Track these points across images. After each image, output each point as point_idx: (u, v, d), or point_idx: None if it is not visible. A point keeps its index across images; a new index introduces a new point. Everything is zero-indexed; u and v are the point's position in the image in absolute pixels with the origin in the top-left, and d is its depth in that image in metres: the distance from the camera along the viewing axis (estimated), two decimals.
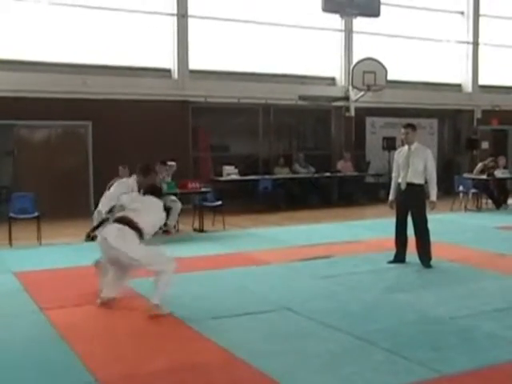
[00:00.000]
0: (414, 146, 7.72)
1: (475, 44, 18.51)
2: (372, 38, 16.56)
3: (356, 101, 16.17)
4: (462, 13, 18.49)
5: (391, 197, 7.90)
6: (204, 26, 14.62)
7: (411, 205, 7.66)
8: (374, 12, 16.05)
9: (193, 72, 14.53)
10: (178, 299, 6.12)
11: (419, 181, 7.65)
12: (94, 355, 4.58)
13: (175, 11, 14.22)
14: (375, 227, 10.83)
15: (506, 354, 4.50)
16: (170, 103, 14.01)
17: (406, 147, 7.78)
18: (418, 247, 7.71)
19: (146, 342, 4.91)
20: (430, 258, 7.60)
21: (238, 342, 4.79)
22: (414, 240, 7.76)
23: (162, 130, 13.64)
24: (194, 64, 14.56)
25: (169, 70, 14.45)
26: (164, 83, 14.17)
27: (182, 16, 14.22)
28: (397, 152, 8.08)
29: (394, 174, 7.97)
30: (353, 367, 4.28)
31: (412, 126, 7.81)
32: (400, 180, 7.73)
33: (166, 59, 14.40)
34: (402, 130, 7.80)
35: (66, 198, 12.76)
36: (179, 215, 10.85)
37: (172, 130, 13.89)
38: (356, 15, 16.05)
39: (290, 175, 14.88)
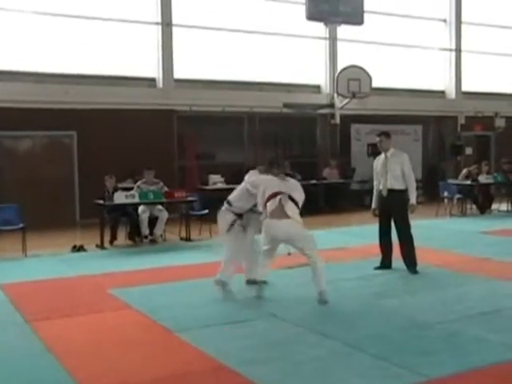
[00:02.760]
0: (390, 152, 7.85)
1: (458, 51, 18.70)
2: (356, 46, 16.70)
3: (341, 108, 16.26)
4: (445, 20, 18.70)
5: (374, 205, 8.00)
6: (189, 34, 14.68)
7: (393, 210, 7.74)
8: (358, 20, 16.17)
9: (178, 81, 14.57)
10: (166, 308, 6.12)
11: (400, 186, 7.73)
12: (82, 367, 4.55)
13: (160, 20, 14.24)
14: (361, 234, 10.86)
15: (491, 356, 4.53)
16: (156, 112, 14.03)
17: (383, 154, 7.91)
18: (402, 253, 7.77)
19: (134, 352, 4.89)
20: (415, 264, 7.64)
21: (227, 351, 4.79)
22: (398, 245, 7.83)
23: (148, 139, 13.64)
24: (179, 73, 14.59)
25: (154, 79, 14.47)
26: (149, 92, 14.18)
27: (167, 25, 14.26)
28: (375, 160, 8.16)
29: (375, 182, 8.06)
30: (341, 373, 4.29)
31: (385, 134, 7.94)
32: (381, 187, 7.83)
33: (151, 68, 14.42)
34: (377, 139, 7.95)
35: (51, 209, 12.71)
36: (166, 224, 10.89)
37: (157, 139, 13.90)
38: (340, 23, 16.16)
39: None
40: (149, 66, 14.39)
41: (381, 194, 7.85)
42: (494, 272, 7.58)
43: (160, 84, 14.43)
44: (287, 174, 6.81)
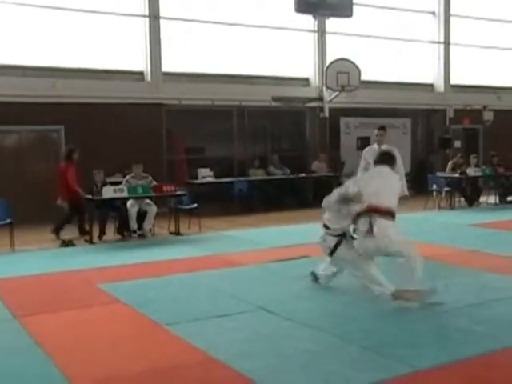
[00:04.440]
0: (384, 146, 8.35)
1: (446, 44, 18.74)
2: (345, 39, 16.67)
3: (330, 101, 16.26)
4: (434, 13, 18.70)
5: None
6: (177, 27, 14.60)
7: None
8: (347, 13, 16.14)
9: (166, 74, 14.49)
10: (156, 302, 6.11)
11: None
12: (71, 362, 4.53)
13: (147, 13, 14.15)
14: None
15: (478, 347, 4.56)
16: (144, 106, 13.96)
17: (376, 147, 8.43)
18: None
19: (124, 347, 4.88)
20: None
21: (216, 344, 4.79)
22: None
23: (136, 133, 13.58)
24: (168, 66, 14.52)
25: (142, 73, 14.39)
26: (137, 86, 14.11)
27: (154, 17, 14.17)
28: (366, 151, 8.67)
29: (360, 172, 8.46)
30: (331, 366, 4.30)
31: (384, 128, 8.62)
32: None
33: (139, 62, 14.34)
34: (377, 132, 8.51)
35: (39, 204, 12.61)
36: (155, 218, 10.87)
37: (146, 132, 13.84)
38: (328, 16, 16.14)
39: (265, 177, 14.91)
40: (137, 60, 14.31)
41: None
42: (482, 264, 7.62)
43: (148, 77, 14.36)
44: None
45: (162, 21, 14.33)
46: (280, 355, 4.53)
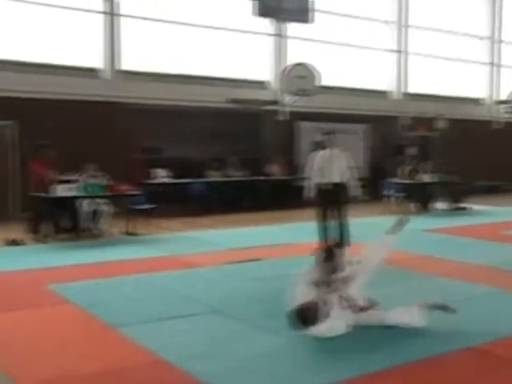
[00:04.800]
0: (334, 149, 8.60)
1: (403, 53, 19.03)
2: (304, 44, 16.77)
3: (287, 105, 16.32)
4: (391, 22, 18.97)
5: (312, 193, 8.68)
6: (135, 26, 14.44)
7: (336, 202, 8.53)
8: (305, 18, 16.25)
9: (123, 73, 14.33)
10: (107, 303, 6.01)
11: (341, 180, 8.54)
12: (17, 362, 4.42)
13: (105, 9, 13.94)
14: (306, 229, 10.88)
15: (428, 349, 4.62)
16: (100, 104, 13.73)
17: (327, 151, 8.60)
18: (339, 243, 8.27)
19: (72, 348, 4.77)
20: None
21: (168, 346, 4.73)
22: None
23: (92, 132, 13.36)
24: (125, 65, 14.36)
25: (98, 70, 14.18)
26: (94, 83, 13.89)
27: (113, 14, 13.96)
28: (317, 156, 8.77)
29: (311, 175, 8.71)
30: (283, 369, 4.29)
31: (333, 133, 8.76)
32: (324, 181, 8.52)
33: (96, 59, 14.11)
34: (325, 136, 8.72)
35: None
36: (110, 218, 10.72)
37: (102, 131, 13.62)
38: (287, 20, 16.20)
39: (223, 178, 14.87)
40: (94, 57, 14.08)
41: (324, 187, 8.50)
42: (437, 269, 7.74)
43: (105, 75, 14.16)
44: None
45: (121, 18, 14.14)
46: (232, 357, 4.50)
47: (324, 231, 8.60)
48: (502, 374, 4.25)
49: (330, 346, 4.70)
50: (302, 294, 4.95)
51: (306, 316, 4.70)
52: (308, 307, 4.74)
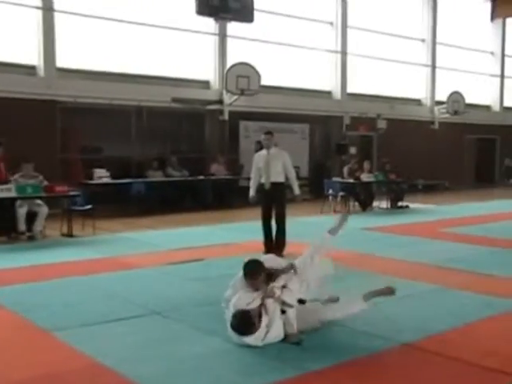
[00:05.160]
0: (272, 150, 8.66)
1: (343, 54, 19.27)
2: (247, 43, 16.78)
3: (230, 105, 16.30)
4: (332, 23, 19.19)
5: (253, 193, 8.76)
6: (74, 22, 14.12)
7: (275, 201, 8.58)
8: (248, 18, 16.27)
9: (61, 70, 13.99)
10: (43, 308, 5.83)
11: (281, 179, 8.62)
12: None
13: (40, 4, 13.56)
14: (249, 229, 10.89)
15: (367, 347, 4.67)
16: (36, 102, 13.36)
17: (265, 151, 8.66)
18: (276, 241, 8.54)
19: (5, 354, 4.60)
20: (282, 250, 8.33)
21: (106, 349, 4.62)
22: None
23: (28, 131, 12.97)
24: (63, 62, 14.02)
25: (34, 67, 13.80)
26: (29, 81, 13.51)
27: (48, 9, 13.59)
28: (256, 155, 8.98)
29: (252, 175, 8.84)
30: (221, 370, 4.25)
31: (271, 133, 8.78)
32: (263, 181, 8.59)
33: (32, 55, 13.72)
34: (263, 137, 8.73)
35: None
36: (46, 220, 10.43)
37: (39, 130, 13.28)
38: (230, 20, 16.17)
39: (164, 178, 14.70)
40: (29, 53, 13.68)
41: (263, 187, 8.60)
42: (374, 266, 7.83)
43: (41, 72, 13.79)
44: None
45: (57, 14, 13.81)
46: (170, 360, 4.43)
47: (266, 231, 8.65)
48: (435, 368, 4.32)
49: (270, 346, 4.66)
50: (240, 299, 4.82)
51: (242, 328, 4.64)
52: (245, 319, 4.63)
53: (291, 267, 5.15)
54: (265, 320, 4.67)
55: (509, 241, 9.95)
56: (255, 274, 4.88)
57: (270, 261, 5.24)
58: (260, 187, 8.70)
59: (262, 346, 4.60)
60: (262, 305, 4.72)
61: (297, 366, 4.29)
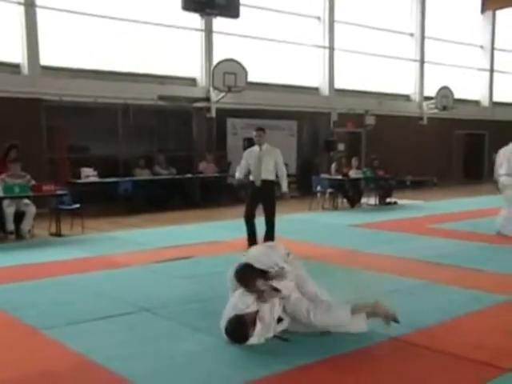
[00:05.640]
0: (265, 146, 8.63)
1: (331, 49, 19.28)
2: (233, 40, 16.76)
3: (217, 102, 16.27)
4: (319, 18, 19.17)
5: (239, 175, 8.80)
6: (58, 19, 13.99)
7: (264, 198, 8.54)
8: (234, 13, 16.22)
9: (46, 68, 13.89)
10: (32, 306, 5.81)
11: (272, 177, 8.59)
12: None
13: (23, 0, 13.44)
14: (236, 227, 10.84)
15: (356, 341, 4.69)
16: (21, 101, 13.23)
17: (257, 148, 8.64)
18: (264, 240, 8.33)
19: None
20: None
21: (95, 347, 4.62)
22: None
23: (14, 130, 12.81)
24: (47, 60, 13.91)
25: (18, 65, 13.67)
26: (14, 79, 13.35)
27: (30, 5, 13.45)
28: (247, 152, 8.91)
29: (241, 165, 8.81)
30: (210, 366, 4.26)
31: (263, 130, 8.71)
32: (253, 178, 8.56)
33: (15, 53, 13.58)
34: (255, 133, 8.66)
35: None
36: (34, 219, 10.39)
37: (25, 129, 13.13)
38: (216, 15, 16.14)
39: (151, 177, 14.66)
40: (13, 51, 13.54)
41: (253, 184, 8.56)
42: (360, 263, 7.87)
43: (25, 71, 13.66)
44: None
45: (40, 10, 13.64)
46: (160, 356, 4.43)
47: (250, 229, 8.61)
48: (423, 362, 4.36)
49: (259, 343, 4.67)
50: (238, 302, 4.70)
51: (235, 336, 4.61)
52: (239, 327, 4.58)
53: (282, 271, 4.92)
54: (259, 326, 4.63)
55: (494, 236, 10.03)
56: (248, 281, 4.72)
57: (261, 259, 4.97)
58: (250, 184, 8.69)
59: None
60: (258, 312, 4.66)
61: (286, 360, 4.31)
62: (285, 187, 8.80)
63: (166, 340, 4.80)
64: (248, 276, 4.75)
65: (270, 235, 8.54)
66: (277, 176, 8.76)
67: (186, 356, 4.45)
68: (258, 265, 4.86)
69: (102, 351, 4.52)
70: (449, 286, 6.54)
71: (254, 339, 4.61)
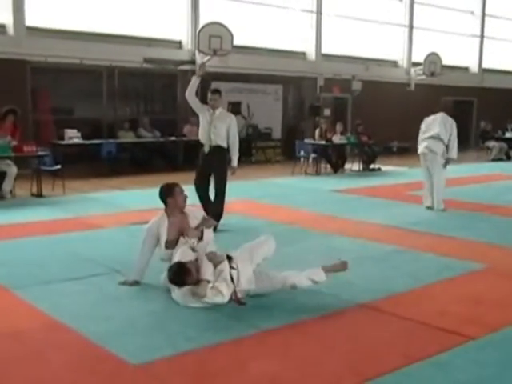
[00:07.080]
0: (219, 110, 7.86)
1: (319, 14, 19.09)
2: (219, 2, 16.56)
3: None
4: None
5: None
6: None
7: (214, 167, 7.83)
8: None
9: (31, 29, 13.71)
10: (4, 266, 5.88)
11: (222, 144, 7.82)
12: None
13: None
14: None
15: (322, 307, 4.78)
16: (6, 62, 13.10)
17: (210, 111, 7.83)
18: (212, 207, 7.79)
19: None
20: (219, 219, 7.57)
21: (64, 307, 4.70)
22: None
23: None
24: (33, 20, 13.72)
25: (4, 26, 13.50)
26: None
27: None
28: (202, 113, 7.98)
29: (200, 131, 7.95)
30: (177, 326, 4.35)
31: (219, 92, 7.99)
32: (203, 141, 7.85)
33: (1, 13, 13.39)
34: (210, 96, 7.87)
35: None
36: (15, 180, 10.40)
37: (9, 90, 12.98)
38: None
39: (135, 139, 14.62)
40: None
41: (203, 151, 7.88)
42: (336, 228, 7.95)
43: (10, 31, 13.50)
44: None
45: None
46: (126, 317, 4.52)
47: (201, 195, 8.00)
48: (387, 327, 4.44)
49: (225, 305, 4.73)
50: (183, 253, 4.98)
51: (178, 276, 4.77)
52: (181, 268, 4.78)
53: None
54: (208, 274, 4.76)
55: (474, 204, 10.14)
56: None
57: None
58: (201, 152, 7.95)
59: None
60: (198, 260, 4.88)
61: (251, 324, 4.39)
62: (235, 161, 7.94)
63: (134, 300, 4.90)
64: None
65: (217, 204, 7.90)
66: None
67: (152, 316, 4.54)
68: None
69: (72, 312, 4.59)
70: (423, 253, 6.62)
71: (218, 298, 4.70)
